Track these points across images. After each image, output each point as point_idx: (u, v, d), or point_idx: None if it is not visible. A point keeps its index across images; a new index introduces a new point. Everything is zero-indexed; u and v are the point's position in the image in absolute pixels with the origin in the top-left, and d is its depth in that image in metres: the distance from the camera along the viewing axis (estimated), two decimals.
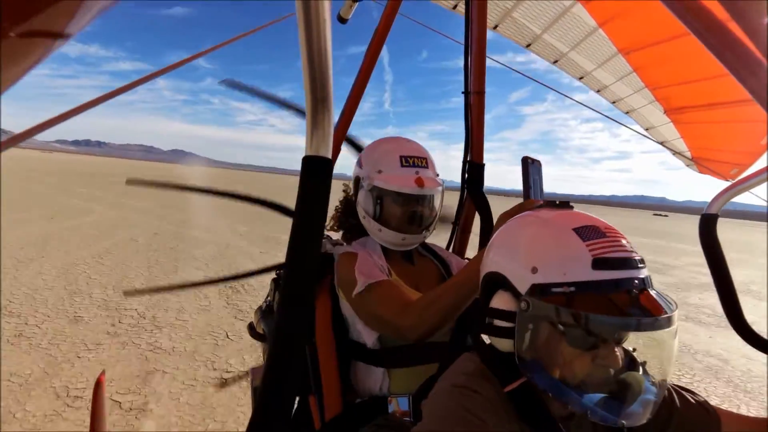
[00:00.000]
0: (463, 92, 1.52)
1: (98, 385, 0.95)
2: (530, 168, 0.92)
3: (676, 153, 2.30)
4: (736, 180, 1.07)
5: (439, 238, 1.42)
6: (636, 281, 0.58)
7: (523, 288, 0.62)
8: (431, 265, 1.28)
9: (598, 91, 2.18)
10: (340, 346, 1.13)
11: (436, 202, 1.21)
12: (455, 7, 1.92)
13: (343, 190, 1.34)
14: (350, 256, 1.12)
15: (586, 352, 0.59)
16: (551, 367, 0.61)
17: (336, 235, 1.40)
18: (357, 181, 1.24)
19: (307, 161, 0.40)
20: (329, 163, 0.41)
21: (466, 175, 1.51)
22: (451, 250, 1.62)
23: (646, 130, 2.32)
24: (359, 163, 1.24)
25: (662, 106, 1.86)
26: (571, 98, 2.13)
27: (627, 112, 2.25)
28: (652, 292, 0.59)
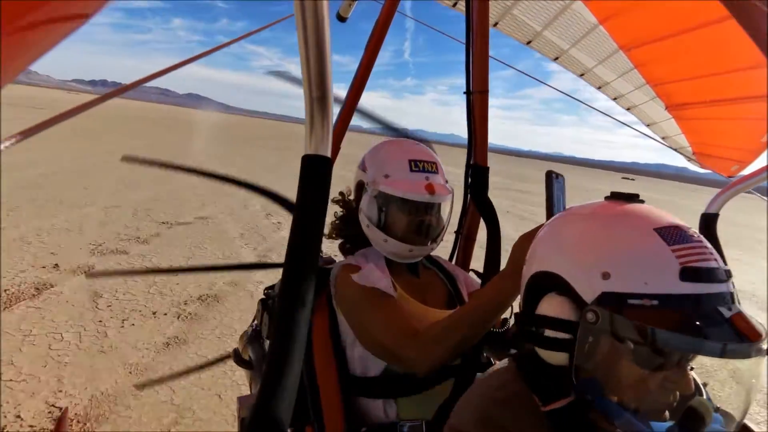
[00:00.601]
0: (465, 92, 1.46)
1: (61, 420, 0.96)
2: (554, 183, 0.87)
3: (677, 149, 2.30)
4: (736, 179, 1.08)
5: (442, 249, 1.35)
6: (727, 297, 0.50)
7: (588, 295, 0.53)
8: (436, 278, 1.20)
9: (599, 88, 2.18)
10: (342, 370, 1.04)
11: (446, 211, 1.14)
12: (455, 4, 1.92)
13: (339, 197, 1.25)
14: (352, 269, 1.04)
15: (655, 373, 0.52)
16: (611, 386, 0.54)
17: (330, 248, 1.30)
18: (360, 186, 1.14)
19: (307, 160, 0.40)
20: (329, 162, 0.41)
21: (469, 180, 1.44)
22: (454, 260, 1.56)
23: (647, 126, 2.32)
24: (362, 167, 1.15)
25: (663, 103, 1.86)
26: (570, 96, 2.12)
27: (628, 109, 2.25)
28: (744, 312, 0.50)
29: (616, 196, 0.62)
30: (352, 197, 1.23)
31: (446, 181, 1.13)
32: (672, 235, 0.52)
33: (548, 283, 0.58)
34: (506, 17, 1.86)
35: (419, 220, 1.08)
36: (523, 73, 2.58)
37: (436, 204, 1.10)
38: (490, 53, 1.49)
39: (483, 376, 0.68)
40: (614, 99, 2.24)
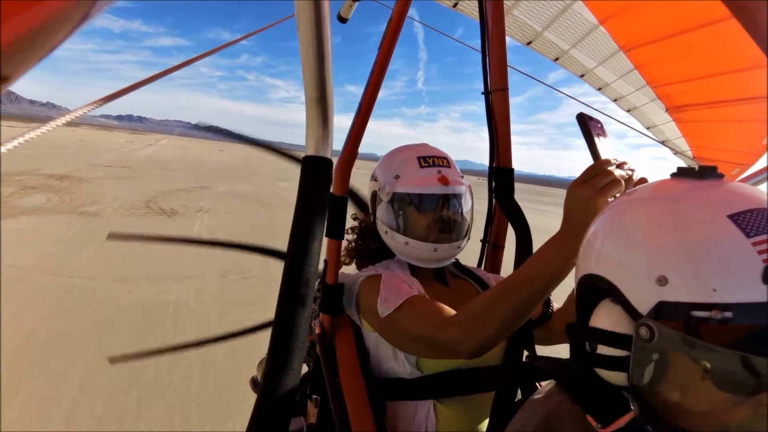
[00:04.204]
0: (483, 93, 1.35)
1: None
2: (589, 124, 0.72)
3: (677, 152, 2.29)
4: (736, 181, 1.06)
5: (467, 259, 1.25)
6: None
7: (642, 304, 0.42)
8: (468, 285, 1.12)
9: (599, 89, 2.17)
10: (370, 387, 0.98)
11: (466, 206, 1.07)
12: (455, 5, 1.91)
13: (353, 217, 1.20)
14: (374, 279, 0.99)
15: (745, 399, 0.40)
16: (688, 414, 0.42)
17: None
18: (374, 196, 1.11)
19: (307, 161, 0.40)
20: (329, 163, 0.41)
21: (494, 184, 1.34)
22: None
23: (648, 128, 2.31)
24: (373, 177, 1.12)
25: (664, 104, 1.85)
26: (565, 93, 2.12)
27: (628, 110, 2.24)
28: None
29: (683, 173, 0.48)
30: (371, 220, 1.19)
31: (462, 176, 1.07)
32: (751, 221, 0.38)
33: (600, 288, 0.48)
34: (506, 18, 1.85)
35: (438, 216, 1.02)
36: (549, 86, 2.57)
37: (453, 197, 1.04)
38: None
39: (526, 404, 0.57)
40: (615, 100, 2.23)
